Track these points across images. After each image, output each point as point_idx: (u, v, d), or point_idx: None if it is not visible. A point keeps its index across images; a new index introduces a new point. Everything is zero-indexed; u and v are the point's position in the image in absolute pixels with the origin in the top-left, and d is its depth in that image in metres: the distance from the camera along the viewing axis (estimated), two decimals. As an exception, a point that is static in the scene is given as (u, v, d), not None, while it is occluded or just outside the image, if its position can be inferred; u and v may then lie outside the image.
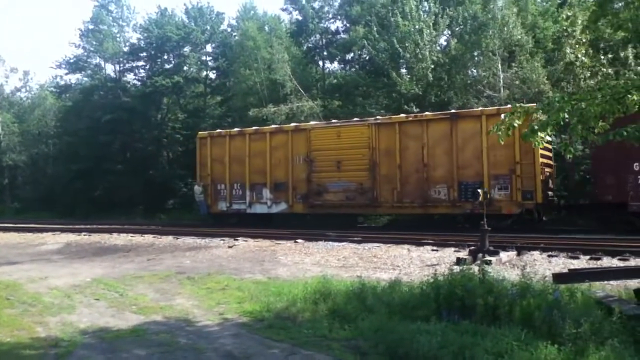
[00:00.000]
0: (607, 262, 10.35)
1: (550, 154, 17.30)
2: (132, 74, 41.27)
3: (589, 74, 19.20)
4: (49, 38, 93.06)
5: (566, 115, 6.07)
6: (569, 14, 19.91)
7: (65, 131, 40.87)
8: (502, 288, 6.32)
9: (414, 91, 23.64)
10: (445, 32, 26.31)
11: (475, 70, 24.52)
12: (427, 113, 18.70)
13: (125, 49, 40.48)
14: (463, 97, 23.41)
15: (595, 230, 15.30)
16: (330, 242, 14.73)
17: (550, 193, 16.97)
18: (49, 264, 13.40)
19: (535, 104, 6.86)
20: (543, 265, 10.03)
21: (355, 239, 14.90)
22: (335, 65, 34.85)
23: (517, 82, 21.25)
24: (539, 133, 6.11)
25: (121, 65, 40.86)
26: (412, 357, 5.18)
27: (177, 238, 17.57)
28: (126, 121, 36.97)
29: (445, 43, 26.50)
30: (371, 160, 18.43)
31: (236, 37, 36.96)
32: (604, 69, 18.70)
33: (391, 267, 11.03)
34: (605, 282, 7.70)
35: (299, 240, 15.27)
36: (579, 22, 18.41)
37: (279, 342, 6.00)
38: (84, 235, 19.72)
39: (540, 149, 15.33)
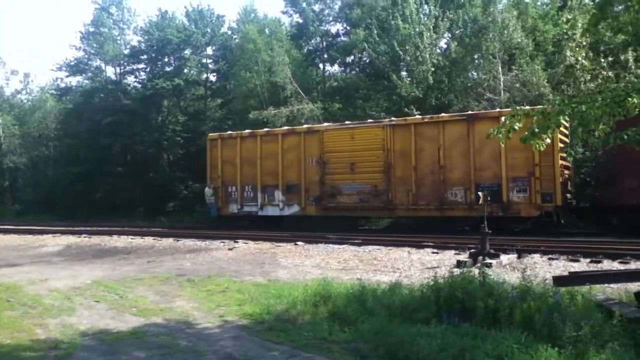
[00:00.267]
0: (608, 265, 10.35)
1: (565, 155, 17.13)
2: (132, 76, 41.39)
3: (589, 77, 19.23)
4: (50, 40, 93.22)
5: (566, 118, 6.08)
6: (569, 17, 19.94)
7: (65, 133, 40.91)
8: (503, 291, 6.31)
9: (415, 94, 23.68)
10: (445, 35, 26.39)
11: (475, 73, 24.54)
12: (443, 114, 18.57)
13: (126, 52, 40.55)
14: (463, 100, 23.43)
15: (597, 233, 15.31)
16: (331, 245, 14.72)
17: (568, 195, 16.81)
18: (49, 266, 13.40)
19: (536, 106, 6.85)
20: (543, 268, 10.02)
21: (356, 241, 14.90)
22: (335, 68, 34.98)
23: (517, 85, 21.27)
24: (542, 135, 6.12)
25: (122, 67, 40.92)
26: (412, 359, 5.18)
27: (178, 240, 17.57)
28: (127, 124, 37.01)
29: (445, 46, 26.58)
30: (386, 162, 18.30)
31: (236, 40, 37.01)
32: (604, 72, 18.73)
33: (391, 269, 11.02)
34: (606, 285, 7.69)
35: (299, 243, 15.28)
36: (579, 25, 18.44)
37: (279, 345, 6.00)
38: (84, 237, 19.72)
39: (559, 150, 15.33)
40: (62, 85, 44.43)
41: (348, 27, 32.13)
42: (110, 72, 41.52)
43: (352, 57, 31.95)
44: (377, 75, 26.86)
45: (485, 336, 5.42)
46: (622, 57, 18.84)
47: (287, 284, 9.44)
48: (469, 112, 18.81)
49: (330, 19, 33.80)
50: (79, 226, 24.01)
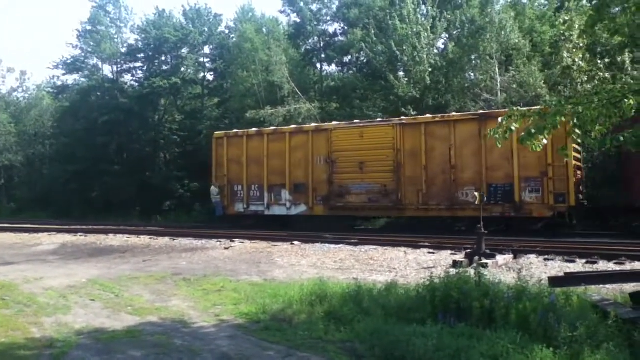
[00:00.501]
0: (603, 265, 10.38)
1: (579, 156, 17.01)
2: (129, 75, 41.33)
3: (586, 78, 19.13)
4: (46, 38, 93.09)
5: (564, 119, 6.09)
6: (566, 18, 19.86)
7: (62, 132, 40.83)
8: (498, 291, 6.32)
9: (412, 94, 23.68)
10: (443, 36, 26.39)
11: (472, 74, 24.56)
12: (454, 113, 18.51)
13: (123, 50, 40.44)
14: (460, 101, 23.46)
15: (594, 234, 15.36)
16: (327, 244, 14.72)
17: (580, 196, 16.71)
18: (45, 264, 13.37)
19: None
20: (539, 269, 10.04)
21: (352, 241, 14.90)
22: (333, 68, 34.93)
23: (514, 86, 21.30)
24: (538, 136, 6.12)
25: (119, 66, 40.85)
26: (407, 359, 5.18)
27: (174, 239, 17.54)
28: (123, 122, 36.99)
29: (442, 46, 26.58)
30: (395, 162, 18.15)
31: (234, 39, 37.00)
32: (601, 74, 18.63)
33: (387, 269, 11.03)
34: (601, 285, 7.72)
35: (295, 242, 15.27)
36: (576, 26, 18.35)
37: (275, 344, 5.99)
38: (80, 236, 19.68)
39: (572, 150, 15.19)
40: (59, 83, 44.35)
41: (346, 27, 32.11)
42: (107, 70, 41.50)
43: (349, 57, 31.94)
44: (375, 75, 26.85)
45: (480, 336, 5.43)
46: (619, 59, 18.81)
47: (283, 283, 9.43)
48: (481, 111, 18.73)
49: (328, 18, 33.79)
50: (74, 225, 23.96)
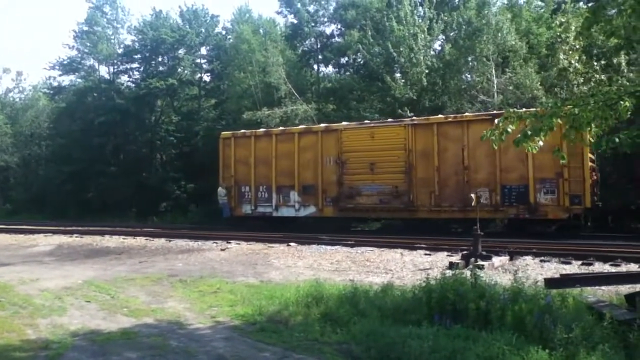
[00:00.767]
0: (599, 267, 10.40)
1: (593, 157, 16.79)
2: (126, 75, 41.23)
3: (582, 80, 19.31)
4: (43, 39, 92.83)
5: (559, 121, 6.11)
6: (563, 20, 20.02)
7: (58, 133, 40.75)
8: (494, 293, 6.33)
9: (408, 95, 23.70)
10: (439, 37, 26.44)
11: (469, 75, 24.61)
12: (467, 114, 18.36)
13: (120, 51, 40.40)
14: (457, 102, 23.48)
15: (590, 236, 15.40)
16: (323, 246, 14.72)
17: (595, 198, 16.53)
18: (41, 265, 13.33)
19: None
20: (535, 270, 10.05)
21: (349, 242, 14.90)
22: (329, 69, 34.97)
23: (510, 88, 21.33)
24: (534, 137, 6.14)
25: (115, 67, 40.79)
26: (403, 361, 5.18)
27: (170, 241, 17.51)
28: (120, 123, 36.95)
29: (439, 48, 26.62)
30: (407, 163, 17.95)
31: (231, 40, 36.99)
32: (597, 75, 18.81)
33: (384, 271, 11.03)
34: (597, 287, 7.73)
35: (291, 244, 15.26)
36: (573, 28, 18.53)
37: (271, 346, 5.99)
38: (76, 237, 19.62)
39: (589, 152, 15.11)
40: (55, 84, 44.26)
41: (342, 28, 32.14)
42: (103, 71, 41.48)
43: (346, 59, 31.97)
44: (371, 76, 26.87)
45: (476, 338, 5.43)
46: (615, 61, 18.93)
47: (279, 285, 9.43)
48: (494, 111, 18.67)
49: (325, 19, 33.82)
50: (70, 226, 23.88)
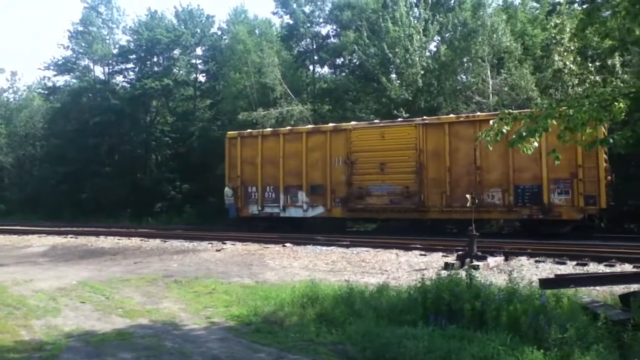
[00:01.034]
0: (594, 267, 10.44)
1: (606, 157, 16.62)
2: (121, 76, 41.24)
3: (576, 82, 19.39)
4: (37, 39, 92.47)
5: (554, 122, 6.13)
6: (558, 21, 20.13)
7: (52, 133, 40.65)
8: (489, 293, 6.35)
9: (404, 96, 23.73)
10: (435, 38, 26.49)
11: (464, 76, 24.67)
12: (479, 113, 18.24)
13: (115, 51, 40.35)
14: (452, 103, 23.53)
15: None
16: (319, 246, 14.72)
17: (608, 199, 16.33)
18: (35, 266, 13.27)
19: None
20: (530, 271, 10.07)
21: (344, 243, 14.91)
22: (325, 70, 34.97)
23: (505, 89, 21.39)
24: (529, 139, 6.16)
25: (110, 67, 40.75)
26: (399, 361, 5.18)
27: (165, 241, 17.47)
28: (115, 124, 36.89)
29: (435, 49, 26.67)
30: (418, 163, 17.77)
31: (226, 41, 36.98)
32: (592, 77, 18.90)
33: (379, 271, 11.04)
34: (592, 287, 7.75)
35: (287, 244, 15.25)
36: (567, 30, 18.62)
37: (266, 346, 5.98)
38: (70, 237, 19.56)
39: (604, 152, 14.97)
40: (50, 84, 44.14)
41: (338, 29, 32.13)
42: (98, 71, 41.43)
43: (342, 59, 31.97)
44: (367, 77, 26.89)
45: (471, 338, 5.44)
46: (609, 62, 19.01)
47: (274, 285, 9.42)
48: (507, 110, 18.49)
49: (321, 20, 33.79)
50: (65, 226, 23.82)
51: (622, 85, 17.06)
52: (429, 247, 13.54)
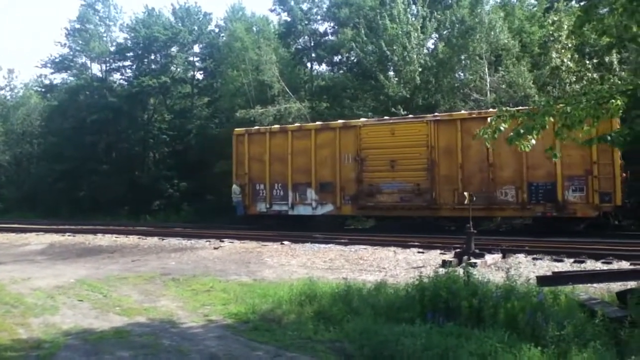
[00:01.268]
0: (591, 265, 10.44)
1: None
2: (118, 73, 41.12)
3: (574, 79, 19.39)
4: (37, 39, 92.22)
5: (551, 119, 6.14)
6: (555, 19, 20.10)
7: (50, 131, 40.57)
8: (487, 290, 6.36)
9: (402, 94, 23.73)
10: (432, 36, 26.49)
11: (462, 74, 24.67)
12: (491, 110, 17.89)
13: (112, 49, 40.24)
14: (450, 100, 23.55)
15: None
16: (317, 244, 14.72)
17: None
18: (32, 264, 13.26)
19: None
20: (528, 268, 10.08)
21: (342, 240, 14.90)
22: (323, 67, 34.93)
23: (503, 86, 21.40)
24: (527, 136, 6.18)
25: (107, 65, 40.64)
26: (396, 359, 5.18)
27: (163, 239, 17.46)
28: (112, 121, 36.83)
29: (432, 46, 26.66)
30: (429, 160, 17.58)
31: (224, 38, 36.91)
32: (589, 74, 18.89)
33: (377, 269, 11.04)
34: (589, 284, 7.77)
35: (285, 242, 15.25)
36: (565, 27, 18.60)
37: (264, 344, 5.98)
38: (68, 235, 19.53)
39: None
40: (47, 82, 44.04)
41: (336, 26, 32.11)
42: (95, 69, 41.29)
43: (339, 57, 31.94)
44: (365, 74, 26.89)
45: (469, 335, 5.45)
46: (607, 59, 19.02)
47: (272, 283, 9.42)
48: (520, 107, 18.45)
49: (319, 17, 33.78)
50: (62, 224, 23.79)
51: (619, 82, 17.00)
52: (426, 244, 13.55)
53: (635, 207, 17.24)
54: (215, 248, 15.07)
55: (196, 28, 38.85)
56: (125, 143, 38.02)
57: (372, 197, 18.56)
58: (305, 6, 33.35)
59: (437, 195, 17.51)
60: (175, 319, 7.20)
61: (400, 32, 24.30)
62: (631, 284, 7.11)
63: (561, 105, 6.22)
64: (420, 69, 23.98)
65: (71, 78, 41.45)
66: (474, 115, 17.55)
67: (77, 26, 40.33)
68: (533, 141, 6.34)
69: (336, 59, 32.55)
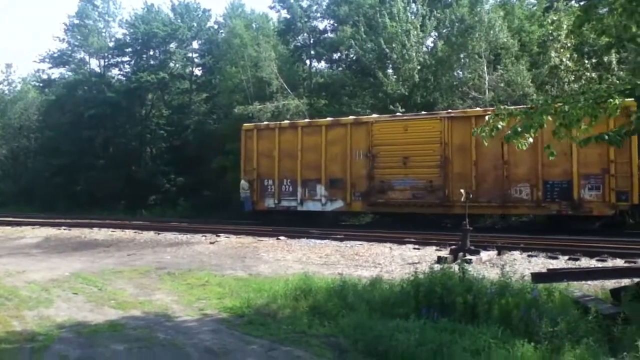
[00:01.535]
0: (586, 262, 10.46)
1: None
2: (116, 69, 41.15)
3: (572, 78, 19.43)
4: (38, 39, 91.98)
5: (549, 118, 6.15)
6: (555, 18, 20.13)
7: (47, 125, 40.50)
8: (482, 287, 6.37)
9: (400, 92, 23.74)
10: (432, 34, 26.49)
11: (461, 72, 24.68)
12: (505, 107, 17.99)
13: (111, 44, 40.20)
14: (448, 99, 23.56)
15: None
16: (313, 240, 14.71)
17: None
18: (27, 257, 13.24)
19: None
20: (522, 265, 10.09)
21: (338, 236, 14.89)
22: (322, 65, 34.93)
23: (502, 85, 21.42)
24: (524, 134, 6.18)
25: (106, 60, 40.60)
26: (390, 354, 5.19)
27: (159, 233, 17.44)
28: (110, 116, 36.77)
29: (432, 44, 26.69)
30: (442, 157, 17.38)
31: (223, 35, 36.85)
32: (588, 73, 18.92)
33: (372, 265, 11.05)
34: (583, 282, 7.79)
35: (281, 237, 15.23)
36: (564, 26, 18.63)
37: (259, 338, 5.98)
38: (64, 229, 19.50)
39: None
40: (45, 76, 43.94)
41: (335, 24, 32.11)
42: (94, 64, 41.30)
43: (338, 54, 31.94)
44: (364, 72, 26.88)
45: (463, 331, 5.46)
46: (606, 59, 19.05)
47: (268, 278, 9.42)
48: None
49: (318, 15, 33.77)
50: (58, 218, 23.73)
51: (617, 82, 17.04)
52: (422, 241, 13.55)
53: None
54: (211, 243, 15.06)
55: (195, 24, 38.78)
56: (122, 138, 37.99)
57: (384, 194, 18.39)
58: (304, 3, 33.39)
59: (450, 192, 17.33)
60: (170, 313, 7.19)
61: (399, 30, 24.30)
62: (625, 282, 7.13)
63: (559, 104, 6.22)
64: (419, 67, 23.99)
65: (69, 73, 41.43)
66: (489, 112, 17.38)
67: (76, 21, 40.26)
68: (530, 139, 6.35)
69: (335, 56, 32.57)
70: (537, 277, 7.28)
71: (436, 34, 26.59)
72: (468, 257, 10.31)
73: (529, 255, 11.14)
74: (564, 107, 6.10)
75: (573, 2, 22.24)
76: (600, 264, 10.18)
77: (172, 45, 38.13)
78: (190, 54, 39.41)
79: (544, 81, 21.04)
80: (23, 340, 6.01)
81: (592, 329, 5.26)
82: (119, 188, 34.36)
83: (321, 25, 33.90)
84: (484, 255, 10.96)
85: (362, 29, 26.07)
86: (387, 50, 24.32)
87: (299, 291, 7.51)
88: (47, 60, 41.30)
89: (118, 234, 17.97)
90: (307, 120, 21.63)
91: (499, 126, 6.63)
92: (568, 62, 19.21)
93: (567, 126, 6.20)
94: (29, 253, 14.32)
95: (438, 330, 5.52)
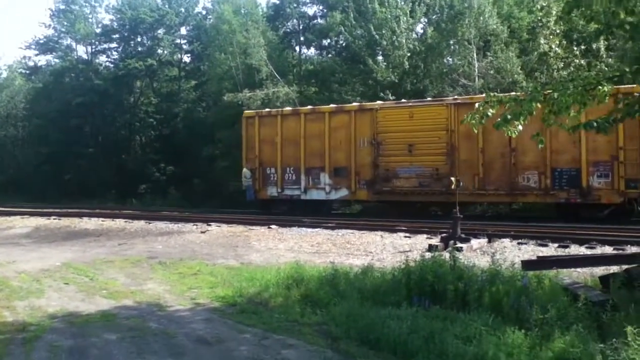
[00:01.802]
0: (575, 249, 10.58)
1: None
2: (104, 56, 40.71)
3: (562, 65, 19.49)
4: (18, 18, 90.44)
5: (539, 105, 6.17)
6: (544, 4, 20.13)
7: (34, 114, 40.08)
8: (472, 274, 6.42)
9: (390, 79, 23.70)
10: (421, 20, 26.41)
11: (450, 59, 24.64)
12: (513, 93, 17.84)
13: (98, 31, 39.70)
14: (438, 86, 23.55)
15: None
16: (304, 228, 14.74)
17: None
18: (18, 247, 13.18)
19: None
20: (513, 253, 10.19)
21: (329, 225, 14.93)
22: (311, 51, 34.74)
23: (491, 72, 21.44)
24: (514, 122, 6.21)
25: (93, 47, 40.14)
26: (382, 342, 5.23)
27: (149, 223, 17.39)
28: (98, 104, 36.42)
29: (421, 31, 26.62)
30: (449, 144, 16.99)
31: (211, 20, 36.50)
32: (577, 60, 19.00)
33: (364, 253, 11.11)
34: (573, 269, 7.87)
35: (272, 226, 15.25)
36: (554, 13, 18.65)
37: (251, 327, 6.00)
38: (54, 219, 19.39)
39: None
40: (31, 64, 43.43)
41: (325, 10, 31.89)
42: (81, 51, 40.81)
43: (328, 41, 31.77)
44: (353, 59, 26.79)
45: (454, 319, 5.51)
46: (594, 46, 19.12)
47: (260, 267, 9.44)
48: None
49: (307, 0, 33.53)
50: (48, 208, 23.59)
51: (606, 69, 17.15)
52: (413, 229, 13.60)
53: None
54: (202, 232, 15.05)
55: (183, 10, 38.35)
56: (111, 126, 37.69)
57: (389, 182, 18.10)
58: (293, -12, 33.06)
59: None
60: (162, 302, 7.20)
61: (389, 16, 24.20)
62: (614, 269, 7.21)
63: (549, 91, 6.24)
64: (408, 54, 23.94)
65: (56, 60, 40.93)
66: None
67: (62, 7, 39.67)
68: (520, 127, 6.37)
69: (325, 42, 32.39)
70: (527, 264, 7.34)
71: (426, 20, 26.52)
72: (459, 245, 10.34)
73: (519, 243, 11.24)
74: (553, 94, 6.12)
75: (562, -12, 22.27)
76: (589, 252, 10.29)
77: (160, 32, 37.68)
78: (178, 40, 39.00)
79: (533, 68, 21.08)
80: (14, 331, 5.99)
81: (581, 316, 5.31)
82: (108, 177, 34.16)
83: (310, 10, 33.71)
84: (475, 243, 11.04)
85: (352, 15, 25.93)
86: (377, 37, 24.23)
87: (290, 280, 7.54)
88: (33, 46, 40.83)
89: (108, 223, 17.91)
90: (310, 106, 21.28)
91: (489, 113, 6.59)
92: (557, 49, 19.26)
93: (556, 113, 6.22)
94: (19, 243, 14.26)
95: (429, 317, 5.57)
